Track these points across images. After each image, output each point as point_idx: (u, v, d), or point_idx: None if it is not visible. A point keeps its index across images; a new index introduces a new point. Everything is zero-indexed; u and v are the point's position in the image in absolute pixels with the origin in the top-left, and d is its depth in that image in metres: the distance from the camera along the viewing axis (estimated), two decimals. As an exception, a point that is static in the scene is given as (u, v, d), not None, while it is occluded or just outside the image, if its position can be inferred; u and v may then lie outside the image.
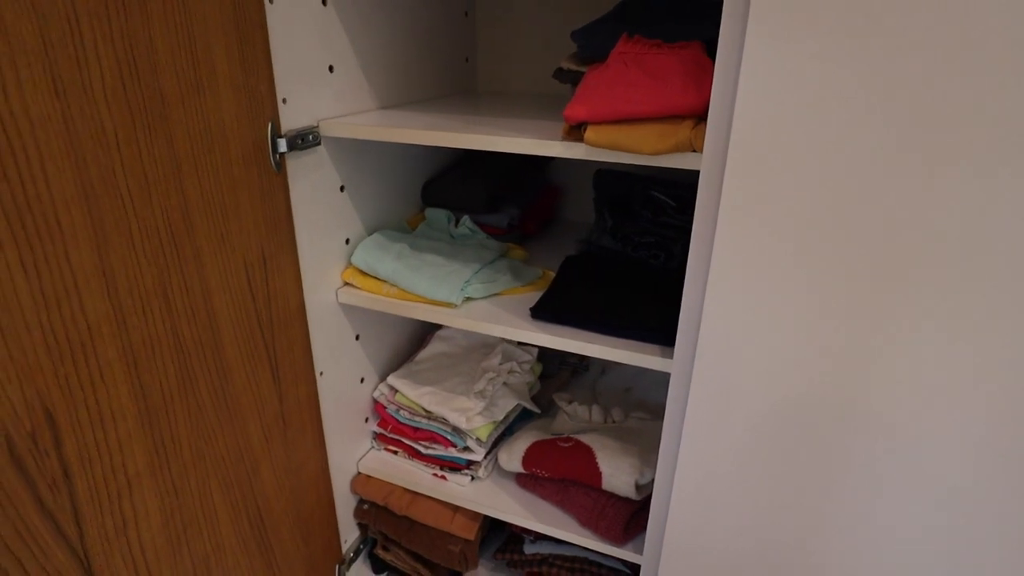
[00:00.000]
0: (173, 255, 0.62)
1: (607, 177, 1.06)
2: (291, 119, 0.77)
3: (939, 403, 0.59)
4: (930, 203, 0.52)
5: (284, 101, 0.75)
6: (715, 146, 0.59)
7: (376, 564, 1.15)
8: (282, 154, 0.76)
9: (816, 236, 0.57)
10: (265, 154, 0.73)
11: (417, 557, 1.10)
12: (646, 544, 0.84)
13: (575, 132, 0.68)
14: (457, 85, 1.21)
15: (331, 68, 0.83)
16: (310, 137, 0.80)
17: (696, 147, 0.61)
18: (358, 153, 0.93)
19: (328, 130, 0.82)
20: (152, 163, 0.58)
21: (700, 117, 0.62)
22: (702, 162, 0.60)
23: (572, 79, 0.78)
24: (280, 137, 0.75)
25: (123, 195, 0.55)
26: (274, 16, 0.71)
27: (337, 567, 1.07)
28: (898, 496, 0.64)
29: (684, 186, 0.97)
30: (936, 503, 0.63)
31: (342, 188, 0.90)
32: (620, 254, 0.98)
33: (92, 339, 0.54)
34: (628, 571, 1.06)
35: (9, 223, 0.46)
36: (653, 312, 0.80)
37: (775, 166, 0.56)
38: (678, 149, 0.62)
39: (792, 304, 0.60)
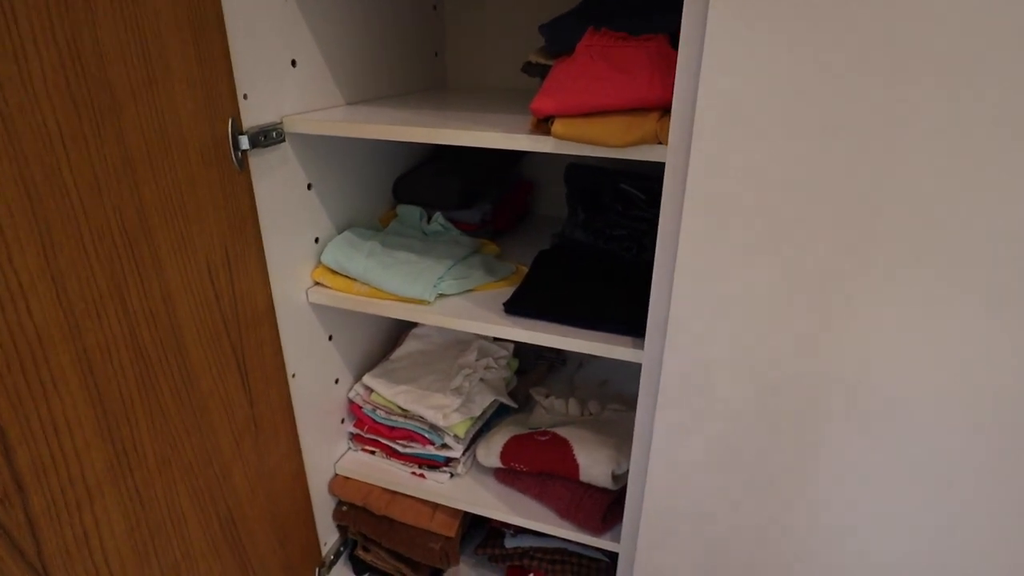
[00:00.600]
0: (128, 257, 0.60)
1: (578, 171, 1.05)
2: (253, 115, 0.75)
3: (911, 386, 0.59)
4: (895, 187, 0.52)
5: (245, 97, 0.74)
6: (679, 138, 0.59)
7: (357, 565, 1.14)
8: (244, 152, 0.74)
9: (781, 224, 0.57)
10: (226, 152, 0.72)
11: (398, 556, 1.09)
12: (623, 533, 0.85)
13: (543, 126, 0.68)
14: (426, 80, 1.20)
15: (294, 63, 0.81)
16: (273, 134, 0.79)
17: (662, 139, 0.61)
18: (325, 150, 0.91)
19: (292, 126, 0.81)
20: (102, 162, 0.56)
21: (666, 109, 0.62)
22: (667, 154, 0.60)
23: (540, 73, 0.78)
24: (242, 134, 0.73)
25: (71, 195, 0.53)
26: (231, 8, 0.69)
27: (317, 570, 1.06)
28: (872, 480, 0.65)
29: (654, 179, 0.97)
30: (911, 487, 0.63)
31: (309, 186, 0.89)
32: (593, 247, 0.98)
33: (42, 345, 0.52)
34: (607, 559, 1.06)
35: (-55, 226, 0.44)
36: (625, 304, 0.81)
37: (739, 156, 0.56)
38: (644, 141, 0.62)
39: (759, 292, 0.60)
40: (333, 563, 1.12)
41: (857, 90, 0.50)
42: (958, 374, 0.57)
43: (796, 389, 0.63)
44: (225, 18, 0.68)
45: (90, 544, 0.60)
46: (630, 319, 0.77)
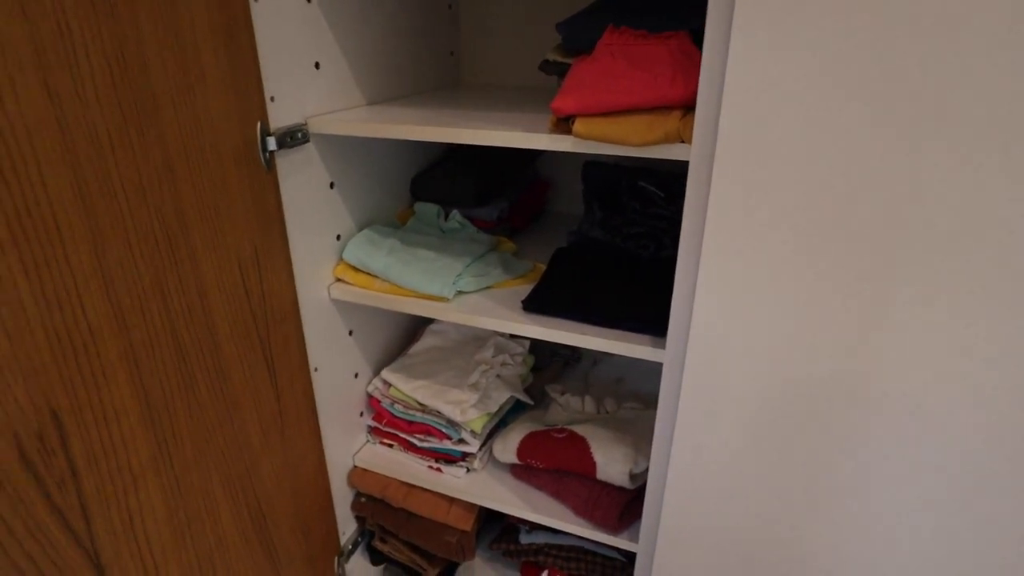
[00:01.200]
0: (169, 254, 0.62)
1: (596, 169, 1.06)
2: (279, 117, 0.77)
3: (935, 387, 0.60)
4: (922, 187, 0.53)
5: (272, 99, 0.76)
6: (703, 136, 0.59)
7: (375, 556, 1.15)
8: (271, 152, 0.76)
9: (807, 223, 0.58)
10: (255, 152, 0.74)
11: (415, 548, 1.11)
12: (641, 532, 0.85)
13: (563, 125, 0.69)
14: (442, 79, 1.22)
15: (317, 65, 0.83)
16: (299, 134, 0.81)
17: (684, 138, 0.62)
18: (346, 149, 0.93)
19: (316, 127, 0.83)
20: (146, 164, 0.58)
21: (688, 107, 0.62)
22: (691, 153, 0.61)
23: (558, 71, 0.79)
24: (269, 135, 0.75)
25: (118, 196, 0.55)
26: (259, 14, 0.71)
27: (336, 559, 1.08)
28: (895, 483, 0.65)
29: (673, 176, 0.98)
30: (936, 491, 0.64)
31: (332, 185, 0.91)
32: (610, 245, 0.98)
33: (94, 339, 0.55)
34: (623, 559, 1.07)
35: (9, 227, 0.46)
36: (644, 302, 0.81)
37: (764, 154, 0.56)
38: (667, 140, 0.63)
39: (784, 291, 0.61)
40: (351, 553, 1.14)
41: (891, 85, 0.50)
42: (986, 377, 0.57)
43: (822, 390, 0.64)
44: (254, 24, 0.70)
45: (135, 528, 0.63)
46: (649, 317, 0.77)
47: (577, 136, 0.66)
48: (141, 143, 0.57)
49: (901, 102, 0.51)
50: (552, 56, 0.79)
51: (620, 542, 0.91)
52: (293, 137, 0.80)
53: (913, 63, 0.50)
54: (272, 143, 0.76)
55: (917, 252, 0.55)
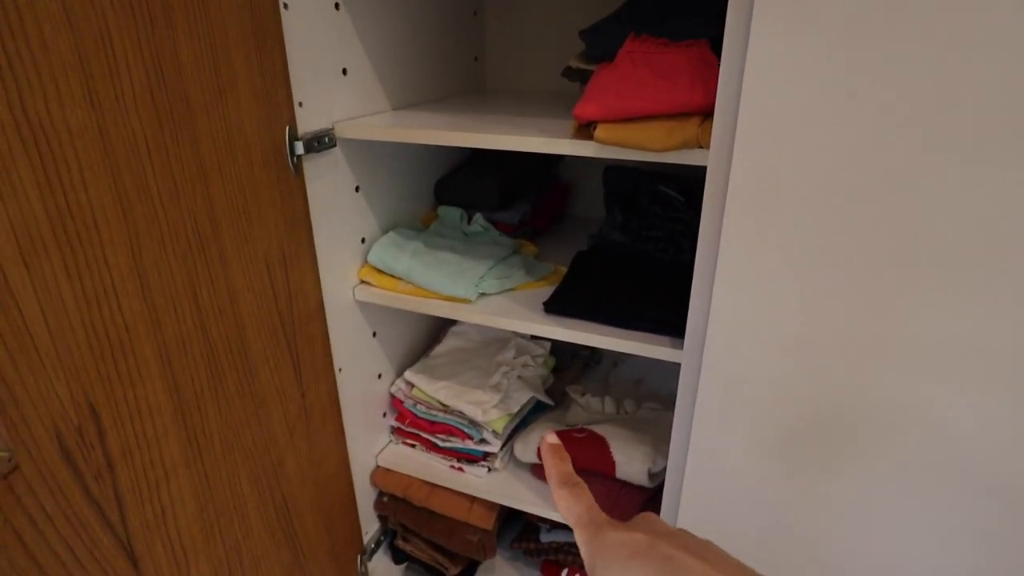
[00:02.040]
0: (201, 256, 0.65)
1: (616, 174, 1.07)
2: (307, 122, 0.79)
3: (955, 387, 0.59)
4: (938, 192, 0.53)
5: (300, 104, 0.77)
6: (721, 141, 0.60)
7: (397, 554, 1.17)
8: (299, 156, 0.78)
9: (824, 226, 0.58)
10: (283, 156, 0.76)
11: (436, 547, 1.12)
12: (660, 531, 0.85)
13: (585, 130, 0.70)
14: (466, 84, 1.23)
15: (344, 71, 0.85)
16: (326, 139, 0.82)
17: (703, 143, 0.63)
18: (372, 154, 0.95)
19: (343, 132, 0.84)
20: (180, 168, 0.60)
21: (707, 114, 0.63)
22: (709, 158, 0.62)
23: (581, 78, 0.80)
24: (297, 140, 0.77)
25: (154, 200, 0.58)
26: (289, 21, 0.73)
27: (359, 557, 1.09)
28: (916, 484, 0.65)
29: (692, 181, 0.99)
30: (956, 490, 0.64)
31: (357, 188, 0.92)
32: (630, 248, 0.99)
33: (130, 337, 0.57)
34: (643, 558, 1.08)
35: (53, 230, 0.49)
36: (663, 304, 0.82)
37: (780, 160, 0.57)
38: (686, 146, 0.64)
39: (800, 293, 0.62)
40: (374, 551, 1.16)
41: (908, 91, 0.51)
42: (1007, 378, 0.57)
43: (840, 393, 0.64)
44: (284, 31, 0.72)
45: (166, 520, 0.65)
46: (668, 319, 0.78)
47: (599, 141, 0.67)
48: (176, 148, 0.59)
49: (918, 108, 0.51)
50: (575, 63, 0.80)
51: (639, 541, 0.91)
52: (320, 142, 0.82)
53: (931, 71, 0.50)
54: (300, 147, 0.78)
55: (940, 256, 0.55)
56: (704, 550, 0.29)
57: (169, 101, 0.58)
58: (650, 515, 0.33)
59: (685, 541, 0.30)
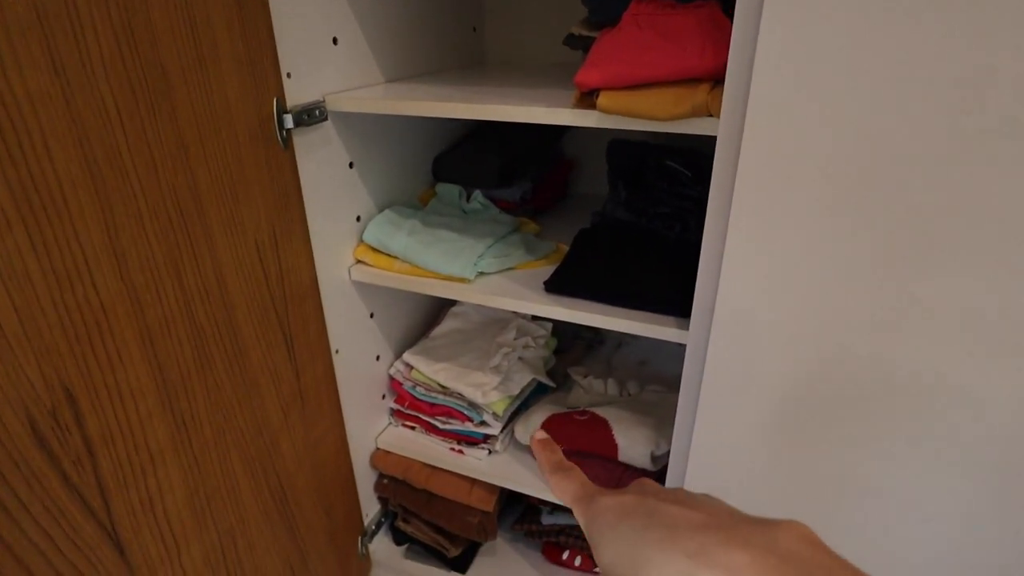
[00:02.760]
0: (183, 234, 0.62)
1: (621, 147, 1.04)
2: (296, 94, 0.76)
3: (970, 369, 0.57)
4: (959, 162, 0.51)
5: (288, 76, 0.74)
6: (733, 110, 0.57)
7: (398, 536, 1.16)
8: (289, 130, 0.75)
9: (840, 199, 0.55)
10: (271, 131, 0.72)
11: (437, 529, 1.11)
12: (664, 514, 0.84)
13: (587, 99, 0.67)
14: (465, 56, 1.19)
15: (335, 40, 0.82)
16: (316, 112, 0.79)
17: (713, 111, 0.60)
18: (366, 128, 0.91)
19: (335, 105, 0.81)
20: (157, 140, 0.57)
21: (717, 80, 0.60)
22: (719, 127, 0.59)
23: (584, 45, 0.76)
24: (286, 113, 0.74)
25: (129, 173, 0.54)
26: (275, -13, 0.69)
27: (360, 539, 1.08)
28: (930, 468, 0.63)
29: (701, 155, 0.96)
30: (975, 476, 0.62)
31: (351, 164, 0.89)
32: (635, 226, 0.97)
33: (107, 318, 0.54)
34: (646, 540, 1.07)
35: (16, 203, 0.46)
36: (668, 284, 0.79)
37: (795, 128, 0.54)
38: (695, 114, 0.61)
39: (814, 270, 0.59)
40: (375, 533, 1.15)
41: (933, 53, 0.48)
42: None
43: (850, 373, 0.62)
44: (269, -4, 0.69)
45: (154, 507, 0.63)
46: (673, 299, 0.75)
47: (601, 111, 0.64)
48: (152, 119, 0.56)
49: (945, 72, 0.48)
50: (577, 30, 0.77)
51: (641, 524, 0.90)
52: (311, 115, 0.78)
53: (957, 27, 0.47)
54: (289, 121, 0.75)
55: (958, 229, 0.53)
56: (690, 499, 0.29)
57: (142, 68, 0.54)
58: (645, 480, 0.33)
59: (675, 496, 0.30)
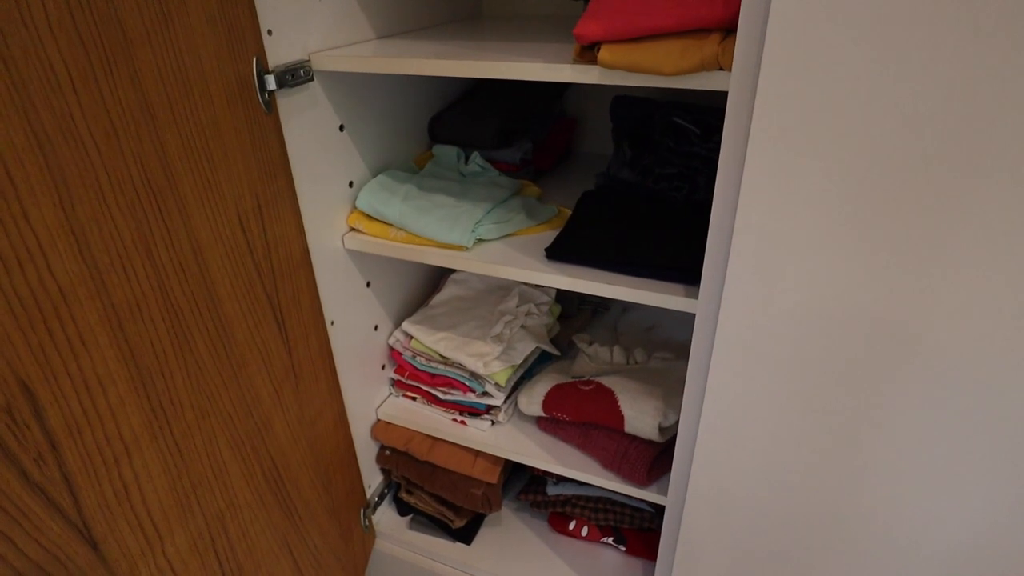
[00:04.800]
0: (153, 208, 0.58)
1: (625, 104, 0.98)
2: (278, 53, 0.71)
3: (987, 334, 0.54)
4: (985, 122, 0.46)
5: (269, 33, 0.69)
6: (745, 63, 0.52)
7: (401, 507, 1.15)
8: (271, 92, 0.71)
9: (858, 159, 0.51)
10: (252, 93, 0.68)
11: (441, 500, 1.11)
12: (670, 486, 0.82)
13: (588, 53, 0.62)
14: (460, 10, 1.13)
15: (319, -7, 0.76)
16: (301, 72, 0.74)
17: (723, 64, 0.55)
18: (356, 88, 0.86)
19: (321, 64, 0.76)
20: (117, 107, 0.52)
21: (728, 30, 0.55)
22: (731, 82, 0.54)
23: (584, -6, 0.71)
24: (267, 74, 0.69)
25: (85, 143, 0.50)
26: (250, -65, 0.64)
27: (362, 511, 1.07)
28: (949, 435, 0.60)
29: (710, 111, 0.90)
30: (992, 442, 0.58)
31: (341, 127, 0.85)
32: (641, 187, 0.92)
33: (66, 303, 0.51)
34: (651, 509, 1.05)
35: (-49, 181, 0.42)
36: (676, 249, 0.76)
37: (814, 84, 0.49)
38: (703, 67, 0.56)
39: (830, 234, 0.55)
40: (378, 504, 1.14)
41: (960, 8, 0.43)
42: None
43: (867, 341, 0.58)
44: (242, -56, 0.63)
45: (131, 498, 0.60)
46: (681, 264, 0.72)
47: (603, 65, 0.60)
48: (109, 83, 0.51)
49: (973, 27, 0.42)
50: (578, -23, 0.71)
51: (649, 495, 0.89)
52: (295, 75, 0.73)
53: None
54: (271, 82, 0.70)
55: (982, 188, 0.48)
56: None
57: (97, 26, 0.50)
58: None
59: None
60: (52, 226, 0.48)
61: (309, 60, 0.76)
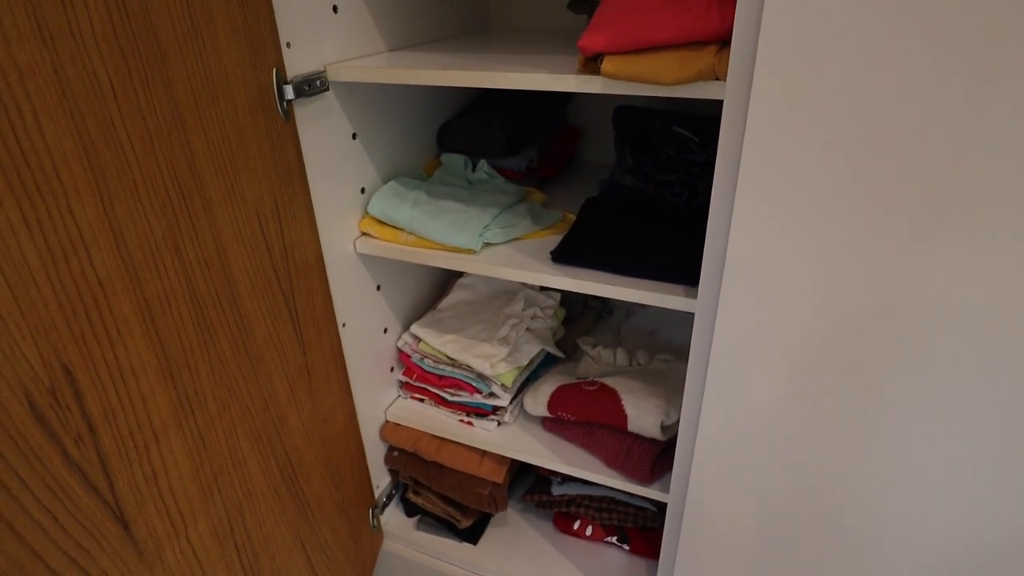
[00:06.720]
0: (182, 207, 0.61)
1: (627, 114, 1.02)
2: (296, 64, 0.75)
3: (987, 323, 0.56)
4: (972, 124, 0.48)
5: (288, 45, 0.73)
6: (739, 73, 0.55)
7: (409, 508, 1.17)
8: (289, 101, 0.74)
9: (848, 165, 0.54)
10: (271, 101, 0.71)
11: (448, 500, 1.12)
12: (672, 484, 0.84)
13: (591, 65, 0.65)
14: (468, 23, 1.16)
15: (335, 8, 0.80)
16: (317, 82, 0.78)
17: (719, 74, 0.58)
18: (369, 98, 0.90)
19: (336, 74, 0.80)
20: (152, 113, 0.56)
21: (724, 42, 0.58)
22: (726, 91, 0.57)
23: (588, 9, 0.75)
24: (286, 83, 0.73)
25: (124, 147, 0.54)
26: (272, -48, 0.68)
27: (371, 511, 1.09)
28: (944, 435, 0.62)
29: (708, 120, 0.93)
30: (987, 447, 0.61)
31: (354, 135, 0.88)
32: (642, 193, 0.95)
33: (105, 294, 0.54)
34: (655, 508, 1.07)
35: (7, 179, 0.45)
36: (676, 252, 0.78)
37: (805, 92, 0.52)
38: (700, 77, 0.59)
39: (823, 237, 0.57)
40: (386, 505, 1.16)
41: (952, 14, 0.46)
42: None
43: (862, 338, 0.61)
44: (264, -38, 0.67)
45: (159, 482, 0.63)
46: (681, 267, 0.75)
47: (606, 76, 0.63)
48: (146, 91, 0.55)
49: (960, 36, 0.46)
50: (581, -8, 0.74)
51: (651, 493, 0.91)
52: (311, 85, 0.77)
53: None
54: (289, 92, 0.73)
55: (971, 190, 0.51)
56: None
57: (135, 38, 0.53)
58: None
59: None
60: (94, 222, 0.52)
61: (325, 71, 0.80)
